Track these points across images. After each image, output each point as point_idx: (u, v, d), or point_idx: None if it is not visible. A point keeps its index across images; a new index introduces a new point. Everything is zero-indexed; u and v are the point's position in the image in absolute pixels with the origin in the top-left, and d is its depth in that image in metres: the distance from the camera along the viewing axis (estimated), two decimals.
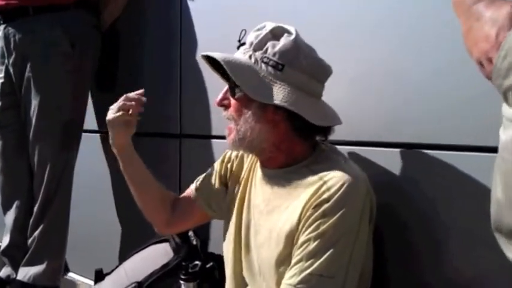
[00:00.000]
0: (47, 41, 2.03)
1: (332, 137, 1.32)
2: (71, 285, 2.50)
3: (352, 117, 1.36)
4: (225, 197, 1.46)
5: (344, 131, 1.34)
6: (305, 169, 1.25)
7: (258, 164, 1.38)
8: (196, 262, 1.63)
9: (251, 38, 1.26)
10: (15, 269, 2.12)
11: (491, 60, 0.76)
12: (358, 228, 1.16)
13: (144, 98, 1.44)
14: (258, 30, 1.27)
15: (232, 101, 1.29)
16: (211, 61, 1.32)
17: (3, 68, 2.12)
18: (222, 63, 1.22)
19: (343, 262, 1.14)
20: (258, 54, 1.24)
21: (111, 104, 1.44)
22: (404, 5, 1.33)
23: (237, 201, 1.40)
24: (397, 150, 1.35)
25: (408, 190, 1.33)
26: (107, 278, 1.82)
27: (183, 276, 1.58)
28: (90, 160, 2.31)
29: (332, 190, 1.15)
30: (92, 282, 1.95)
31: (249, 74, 1.22)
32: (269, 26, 1.26)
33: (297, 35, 1.25)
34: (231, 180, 1.45)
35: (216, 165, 1.50)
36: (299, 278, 1.14)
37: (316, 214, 1.15)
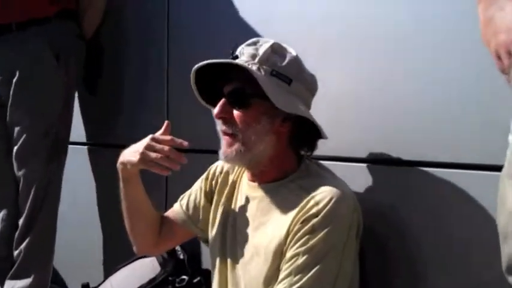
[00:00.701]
0: (32, 56, 2.02)
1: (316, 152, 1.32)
2: None
3: (334, 133, 1.36)
4: (210, 213, 1.44)
5: (326, 146, 1.34)
6: (292, 184, 1.26)
7: (244, 178, 1.38)
8: (183, 277, 1.62)
9: (250, 51, 1.24)
10: (1, 281, 2.09)
11: (510, 54, 0.74)
12: (346, 243, 1.17)
13: (184, 160, 1.33)
14: (254, 44, 1.26)
15: (238, 113, 1.24)
16: (200, 78, 1.30)
17: None
18: (251, 69, 1.20)
19: (332, 276, 1.15)
20: (266, 67, 1.22)
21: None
22: (393, 20, 1.34)
23: (222, 217, 1.39)
24: (382, 166, 1.36)
25: (389, 206, 1.34)
26: None
27: None
28: (77, 172, 2.29)
29: (320, 205, 1.16)
30: None
31: (268, 83, 1.21)
32: (264, 41, 1.26)
33: (296, 54, 1.27)
34: (216, 195, 1.44)
35: (200, 182, 1.48)
36: None
37: (304, 229, 1.16)
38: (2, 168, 2.13)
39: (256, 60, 1.22)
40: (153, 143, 1.32)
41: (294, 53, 1.27)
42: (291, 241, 1.18)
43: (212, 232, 1.41)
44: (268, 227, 1.25)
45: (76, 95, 2.25)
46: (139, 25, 2.15)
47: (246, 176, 1.38)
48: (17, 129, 2.04)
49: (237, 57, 1.26)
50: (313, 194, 1.18)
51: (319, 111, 1.31)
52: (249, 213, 1.31)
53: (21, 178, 2.06)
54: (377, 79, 1.38)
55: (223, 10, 1.81)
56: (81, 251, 2.34)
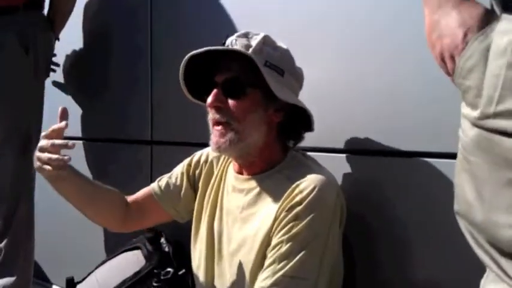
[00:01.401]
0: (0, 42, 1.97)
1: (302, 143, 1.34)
2: None
3: (319, 124, 1.37)
4: (193, 200, 1.45)
5: (312, 137, 1.35)
6: (279, 174, 1.27)
7: (230, 170, 1.39)
8: (169, 269, 1.62)
9: (243, 41, 1.24)
10: None
11: (453, 58, 0.77)
12: (329, 231, 1.18)
13: (70, 143, 1.24)
14: (246, 36, 1.26)
15: (233, 102, 1.24)
16: (188, 78, 1.31)
17: None
18: (253, 57, 1.19)
19: (315, 263, 1.16)
20: (260, 58, 1.22)
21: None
22: (388, 12, 1.35)
23: (209, 208, 1.40)
24: (366, 157, 1.38)
25: (376, 196, 1.36)
26: (79, 286, 1.80)
27: (155, 284, 1.57)
28: None
29: (304, 193, 1.17)
30: None
31: (268, 74, 1.21)
32: (255, 33, 1.27)
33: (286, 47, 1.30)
34: (201, 185, 1.44)
35: (182, 167, 1.49)
36: (272, 280, 1.15)
37: (288, 217, 1.17)
38: None
39: (250, 50, 1.22)
40: (42, 143, 1.26)
41: (285, 47, 1.29)
42: (275, 229, 1.19)
43: (199, 224, 1.42)
44: (256, 218, 1.26)
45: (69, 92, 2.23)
46: (123, 21, 2.14)
47: (232, 167, 1.39)
48: None
49: (228, 47, 1.26)
50: (297, 182, 1.19)
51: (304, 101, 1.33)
52: (237, 205, 1.32)
53: None
54: (360, 70, 1.39)
55: (208, 4, 1.82)
56: (66, 245, 2.34)
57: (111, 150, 2.16)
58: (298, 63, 1.32)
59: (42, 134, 1.27)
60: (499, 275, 0.74)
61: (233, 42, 1.25)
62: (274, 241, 1.18)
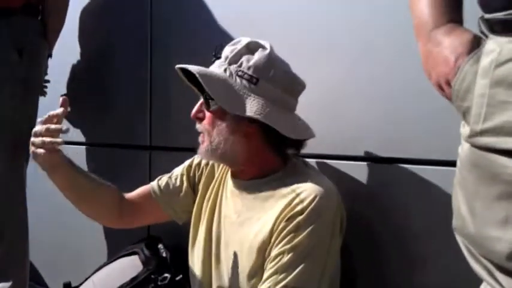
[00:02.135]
0: None
1: (304, 150, 1.34)
2: None
3: (324, 131, 1.38)
4: (192, 201, 1.46)
5: (316, 144, 1.36)
6: (277, 182, 1.27)
7: (229, 174, 1.39)
8: (166, 275, 1.62)
9: (226, 52, 1.28)
10: None
11: (449, 83, 0.80)
12: (330, 240, 1.19)
13: (65, 127, 1.28)
14: (234, 44, 1.29)
15: (207, 114, 1.31)
16: (187, 74, 1.33)
17: None
18: (197, 75, 1.24)
19: (317, 273, 1.16)
20: (233, 67, 1.25)
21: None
22: (381, 20, 1.36)
23: (207, 212, 1.40)
24: (367, 163, 1.38)
25: (378, 202, 1.36)
26: None
27: None
28: None
29: (305, 202, 1.17)
30: None
31: (223, 86, 1.24)
32: (244, 40, 1.28)
33: (271, 50, 1.28)
34: (201, 188, 1.45)
35: (183, 168, 1.50)
36: None
37: (289, 227, 1.17)
38: None
39: (227, 61, 1.26)
40: (37, 128, 1.28)
41: (266, 51, 1.27)
42: (276, 239, 1.19)
43: (198, 228, 1.43)
44: (253, 223, 1.26)
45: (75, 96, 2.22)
46: (125, 29, 2.15)
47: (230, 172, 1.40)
48: None
49: (219, 58, 1.30)
50: (298, 191, 1.20)
51: (303, 110, 1.33)
52: (234, 209, 1.33)
53: None
54: (355, 79, 1.40)
55: (207, 10, 1.83)
56: (63, 250, 2.33)
57: (110, 155, 2.16)
58: (301, 67, 1.32)
59: (39, 119, 1.30)
60: None
61: (217, 51, 1.31)
62: (274, 251, 1.18)
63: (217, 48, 1.31)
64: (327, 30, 1.47)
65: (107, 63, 2.21)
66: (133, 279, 1.68)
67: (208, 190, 1.44)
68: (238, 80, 1.25)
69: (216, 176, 1.44)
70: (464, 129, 0.79)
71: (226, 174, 1.41)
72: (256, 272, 1.23)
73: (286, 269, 1.15)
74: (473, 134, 0.75)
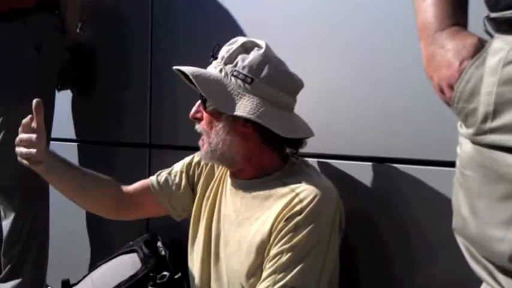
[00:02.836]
0: (11, 47, 1.97)
1: (303, 149, 1.34)
2: None
3: (323, 130, 1.38)
4: (190, 199, 1.47)
5: (316, 143, 1.36)
6: (276, 181, 1.27)
7: (228, 174, 1.40)
8: (165, 273, 1.62)
9: (223, 52, 1.28)
10: None
11: (451, 87, 0.79)
12: (329, 240, 1.18)
13: (34, 137, 1.31)
14: (230, 44, 1.29)
15: (204, 114, 1.31)
16: (186, 75, 1.33)
17: None
18: (191, 76, 1.25)
19: (316, 273, 1.16)
20: (228, 67, 1.26)
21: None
22: (379, 21, 1.36)
23: (207, 211, 1.41)
24: (368, 163, 1.38)
25: (377, 202, 1.36)
26: None
27: (151, 287, 1.57)
28: None
29: (304, 202, 1.17)
30: None
31: (217, 87, 1.24)
32: (240, 40, 1.29)
33: (267, 49, 1.27)
34: (200, 187, 1.45)
35: (182, 165, 1.50)
36: None
37: (288, 226, 1.17)
38: None
39: (222, 61, 1.27)
40: (18, 137, 1.34)
41: (261, 50, 1.27)
42: (274, 239, 1.19)
43: (197, 227, 1.43)
44: (252, 222, 1.26)
45: (69, 94, 2.22)
46: (125, 27, 2.14)
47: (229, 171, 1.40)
48: None
49: (216, 58, 1.30)
50: (297, 191, 1.20)
51: (302, 109, 1.33)
52: (234, 209, 1.33)
53: (6, 178, 2.00)
54: (354, 79, 1.39)
55: (207, 10, 1.83)
56: (62, 247, 2.33)
57: (109, 153, 2.16)
58: (300, 67, 1.32)
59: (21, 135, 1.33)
60: None
61: (214, 51, 1.31)
62: (273, 251, 1.18)
63: (215, 48, 1.32)
64: (327, 30, 1.47)
65: (107, 61, 2.21)
66: (132, 277, 1.68)
67: (208, 189, 1.44)
68: (233, 79, 1.25)
69: (216, 175, 1.44)
70: (467, 130, 0.78)
71: (226, 174, 1.42)
72: (255, 271, 1.23)
73: (285, 268, 1.15)
74: (480, 133, 0.75)
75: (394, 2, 1.32)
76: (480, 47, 0.77)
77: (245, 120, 1.24)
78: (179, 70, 1.33)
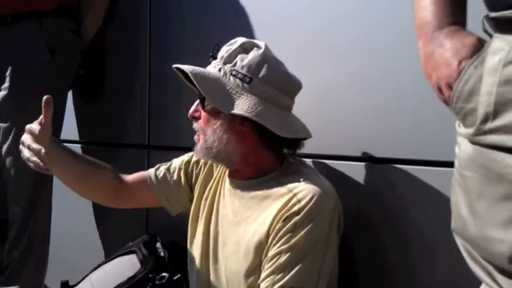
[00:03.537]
0: (25, 49, 1.96)
1: (302, 150, 1.34)
2: None
3: (321, 130, 1.38)
4: (187, 195, 1.47)
5: (314, 144, 1.36)
6: (274, 181, 1.27)
7: (227, 173, 1.39)
8: (164, 274, 1.62)
9: (222, 52, 1.29)
10: None
11: (450, 86, 0.79)
12: (328, 240, 1.19)
13: (43, 151, 1.27)
14: (230, 45, 1.30)
15: (202, 113, 1.32)
16: (185, 74, 1.33)
17: None
18: (190, 74, 1.25)
19: (314, 273, 1.16)
20: (227, 67, 1.26)
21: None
22: (376, 21, 1.36)
23: (205, 211, 1.41)
24: (366, 164, 1.38)
25: (375, 202, 1.36)
26: None
27: None
28: None
29: (302, 202, 1.17)
30: None
31: (216, 85, 1.25)
32: (240, 40, 1.29)
33: (266, 49, 1.28)
34: (198, 187, 1.45)
35: (181, 163, 1.50)
36: None
37: (287, 227, 1.17)
38: None
39: (222, 61, 1.27)
40: (23, 137, 1.32)
41: (260, 50, 1.27)
42: (273, 239, 1.19)
43: (196, 227, 1.43)
44: (250, 223, 1.26)
45: (68, 95, 2.21)
46: (123, 27, 2.14)
47: (228, 172, 1.39)
48: (6, 125, 1.96)
49: (216, 58, 1.30)
50: (295, 191, 1.20)
51: (300, 109, 1.33)
52: (231, 209, 1.33)
53: (11, 179, 1.99)
54: (352, 79, 1.39)
55: (205, 11, 1.83)
56: (61, 248, 2.33)
57: (107, 154, 2.15)
58: (298, 67, 1.33)
59: (27, 126, 1.32)
60: None
61: (214, 51, 1.31)
62: (272, 251, 1.18)
63: (215, 48, 1.32)
64: (325, 30, 1.47)
65: (104, 62, 2.20)
66: (130, 278, 1.68)
67: (206, 189, 1.44)
68: (232, 79, 1.26)
69: (215, 175, 1.44)
70: (466, 130, 0.78)
71: (224, 174, 1.42)
72: (253, 271, 1.23)
73: (283, 269, 1.15)
74: (480, 133, 0.74)
75: (391, 1, 1.32)
76: (479, 46, 0.77)
77: (243, 119, 1.25)
78: (178, 69, 1.33)
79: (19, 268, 2.01)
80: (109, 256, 1.84)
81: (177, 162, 1.51)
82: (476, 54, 0.76)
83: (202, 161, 1.47)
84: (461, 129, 0.80)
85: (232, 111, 1.23)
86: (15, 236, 2.01)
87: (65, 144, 2.28)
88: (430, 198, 1.24)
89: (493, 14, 0.76)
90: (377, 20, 1.35)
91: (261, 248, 1.22)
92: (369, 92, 1.37)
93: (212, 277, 1.36)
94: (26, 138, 1.30)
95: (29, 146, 1.28)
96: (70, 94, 2.29)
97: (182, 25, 1.90)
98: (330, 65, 1.45)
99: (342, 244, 1.28)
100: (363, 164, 1.38)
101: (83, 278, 1.81)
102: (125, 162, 2.09)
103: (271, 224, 1.20)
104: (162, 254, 1.73)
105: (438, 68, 0.81)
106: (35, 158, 1.28)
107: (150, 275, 1.62)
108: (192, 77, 1.25)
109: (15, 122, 1.95)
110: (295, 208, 1.17)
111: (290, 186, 1.22)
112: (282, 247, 1.17)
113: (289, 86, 1.31)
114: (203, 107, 1.31)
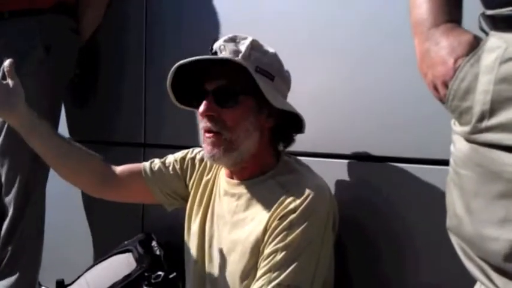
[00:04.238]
0: (21, 47, 1.94)
1: (297, 148, 1.34)
2: None
3: (317, 129, 1.38)
4: (184, 192, 1.45)
5: (308, 142, 1.36)
6: (271, 180, 1.27)
7: (222, 173, 1.38)
8: (159, 273, 1.62)
9: (231, 47, 1.22)
10: None
11: (446, 84, 0.79)
12: (323, 238, 1.18)
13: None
14: (233, 40, 1.24)
15: (226, 110, 1.23)
16: (182, 73, 1.28)
17: None
18: (245, 64, 1.18)
19: (310, 271, 1.16)
20: (250, 64, 1.21)
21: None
22: (369, 22, 1.36)
23: (200, 211, 1.40)
24: (363, 162, 1.38)
25: (371, 201, 1.36)
26: None
27: (145, 287, 1.57)
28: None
29: (298, 201, 1.17)
30: None
31: (261, 81, 1.21)
32: (242, 37, 1.25)
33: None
34: (194, 185, 1.44)
35: (176, 158, 1.47)
36: None
37: (282, 225, 1.17)
38: None
39: (240, 56, 1.21)
40: None
41: (273, 50, 1.28)
42: (269, 238, 1.18)
43: (192, 227, 1.42)
44: (247, 223, 1.26)
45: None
46: (117, 23, 2.14)
47: (223, 171, 1.38)
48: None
49: (216, 53, 1.24)
50: (291, 190, 1.20)
51: (298, 107, 1.33)
52: (228, 210, 1.32)
53: (5, 174, 1.98)
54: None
55: (202, 8, 1.82)
56: (56, 247, 2.32)
57: (104, 152, 2.14)
58: (297, 67, 1.33)
59: None
60: None
61: (221, 48, 1.23)
62: (267, 250, 1.18)
63: (213, 43, 1.27)
64: (325, 31, 1.46)
65: (101, 60, 2.20)
66: (126, 276, 1.68)
67: (200, 187, 1.42)
68: (258, 75, 1.21)
69: (210, 176, 1.42)
70: (462, 128, 0.77)
71: (219, 174, 1.40)
72: (249, 272, 1.23)
73: (279, 267, 1.15)
74: (476, 131, 0.74)
75: (388, 1, 1.31)
76: (475, 44, 0.77)
77: (267, 116, 1.25)
78: (177, 68, 1.25)
79: (12, 264, 2.01)
80: (104, 255, 1.84)
81: (172, 157, 1.49)
82: (472, 52, 0.76)
83: (197, 159, 1.45)
84: (456, 128, 0.79)
85: (285, 107, 1.23)
86: (8, 232, 2.00)
87: None
88: (425, 196, 1.24)
89: (489, 12, 0.76)
90: (374, 19, 1.35)
91: (257, 248, 1.21)
92: (365, 90, 1.36)
93: (208, 277, 1.35)
94: None
95: None
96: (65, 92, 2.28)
97: (178, 22, 1.90)
98: (326, 64, 1.45)
99: (337, 242, 1.28)
100: (358, 162, 1.38)
101: (79, 277, 1.81)
102: (121, 160, 2.07)
103: (267, 222, 1.20)
104: (157, 252, 1.73)
105: (434, 66, 0.81)
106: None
107: (146, 274, 1.62)
108: (248, 68, 1.18)
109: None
110: (291, 206, 1.17)
111: (286, 185, 1.22)
112: (278, 245, 1.16)
113: (290, 83, 1.33)
114: (230, 104, 1.23)
